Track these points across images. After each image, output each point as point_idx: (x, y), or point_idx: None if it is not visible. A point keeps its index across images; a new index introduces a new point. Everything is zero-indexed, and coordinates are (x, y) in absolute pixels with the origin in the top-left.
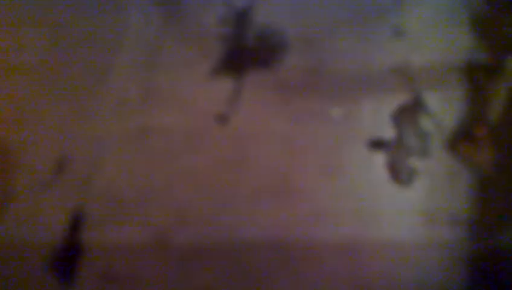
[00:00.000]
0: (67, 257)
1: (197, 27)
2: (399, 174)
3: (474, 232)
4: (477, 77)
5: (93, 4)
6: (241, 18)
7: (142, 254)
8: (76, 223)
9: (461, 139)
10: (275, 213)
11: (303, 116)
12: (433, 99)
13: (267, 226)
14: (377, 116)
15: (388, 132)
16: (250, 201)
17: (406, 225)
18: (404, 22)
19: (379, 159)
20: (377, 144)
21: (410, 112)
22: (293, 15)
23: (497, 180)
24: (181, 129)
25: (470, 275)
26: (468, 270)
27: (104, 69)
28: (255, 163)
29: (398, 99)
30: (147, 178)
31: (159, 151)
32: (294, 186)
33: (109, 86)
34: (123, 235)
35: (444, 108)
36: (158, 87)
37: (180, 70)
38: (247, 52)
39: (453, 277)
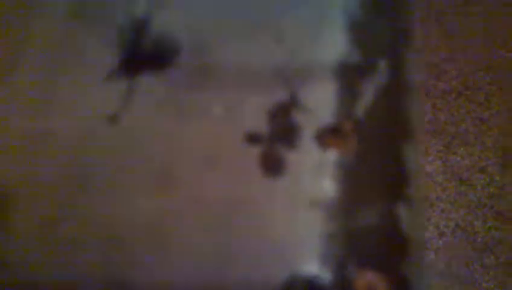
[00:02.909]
0: None
1: (97, 37)
2: (270, 165)
3: (335, 214)
4: (349, 77)
5: None
6: (140, 26)
7: (27, 242)
8: None
9: (329, 133)
10: (155, 201)
11: (189, 113)
12: (307, 97)
13: (146, 214)
14: (255, 113)
15: (264, 127)
16: (132, 192)
17: (272, 209)
18: (285, 27)
19: (254, 152)
20: (254, 138)
21: (285, 109)
22: (187, 22)
23: (359, 168)
24: (74, 129)
25: (329, 250)
26: (326, 246)
27: (5, 73)
28: (141, 157)
29: (276, 97)
30: (37, 176)
31: (51, 151)
32: (175, 177)
33: (9, 90)
34: (9, 224)
35: (317, 105)
36: (56, 90)
37: (79, 74)
38: (142, 57)
39: (311, 250)
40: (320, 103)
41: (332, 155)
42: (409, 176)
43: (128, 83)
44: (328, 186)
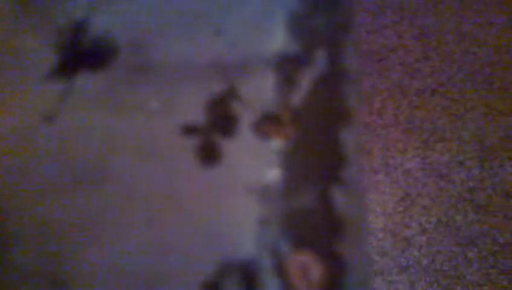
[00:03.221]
0: None
1: (36, 38)
2: (207, 155)
3: (271, 199)
4: (287, 68)
5: None
6: (78, 27)
7: None
8: None
9: (267, 122)
10: (90, 197)
11: (125, 110)
12: (245, 88)
13: (81, 210)
14: (192, 105)
15: (202, 119)
16: (68, 188)
17: (208, 198)
18: (223, 22)
19: (191, 143)
20: (190, 130)
21: (223, 100)
22: (125, 24)
23: (296, 155)
24: (12, 129)
25: (268, 230)
26: (262, 231)
27: None
28: (76, 155)
29: (213, 89)
30: None
31: None
32: (110, 172)
33: None
34: None
35: (255, 95)
36: None
37: (17, 75)
38: (81, 56)
39: (246, 235)
40: (259, 93)
41: (270, 143)
42: (346, 159)
43: (66, 83)
44: (265, 173)
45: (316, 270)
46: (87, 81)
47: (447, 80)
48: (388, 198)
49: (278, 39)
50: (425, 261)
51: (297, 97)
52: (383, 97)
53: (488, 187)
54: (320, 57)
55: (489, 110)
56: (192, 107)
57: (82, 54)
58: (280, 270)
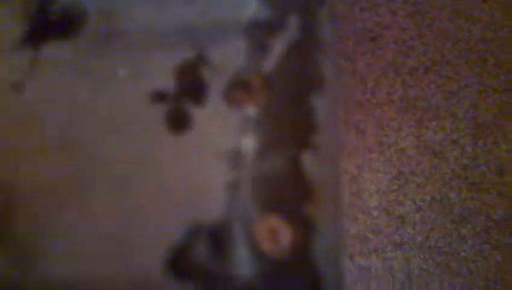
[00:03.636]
0: None
1: (3, 6)
2: (177, 121)
3: (242, 164)
4: (258, 34)
5: None
6: None
7: None
8: None
9: (238, 88)
10: (59, 166)
11: (94, 78)
12: (216, 55)
13: (51, 175)
14: (162, 72)
15: (171, 85)
16: (36, 157)
17: (178, 163)
18: None
19: (160, 110)
20: (160, 97)
21: (192, 67)
22: None
23: (267, 120)
24: None
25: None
26: (232, 195)
27: None
28: (45, 123)
29: (183, 56)
30: None
31: None
32: (79, 141)
33: None
34: None
35: (226, 62)
36: None
37: None
38: (49, 25)
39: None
40: (230, 59)
41: (241, 110)
42: (318, 126)
43: (34, 52)
44: (236, 139)
45: (285, 234)
46: (55, 50)
47: (441, 57)
48: (382, 176)
49: (249, 5)
50: (419, 239)
51: (269, 63)
52: (377, 76)
53: (481, 164)
54: (293, 23)
55: (483, 87)
56: (162, 74)
57: (50, 23)
58: (249, 234)
